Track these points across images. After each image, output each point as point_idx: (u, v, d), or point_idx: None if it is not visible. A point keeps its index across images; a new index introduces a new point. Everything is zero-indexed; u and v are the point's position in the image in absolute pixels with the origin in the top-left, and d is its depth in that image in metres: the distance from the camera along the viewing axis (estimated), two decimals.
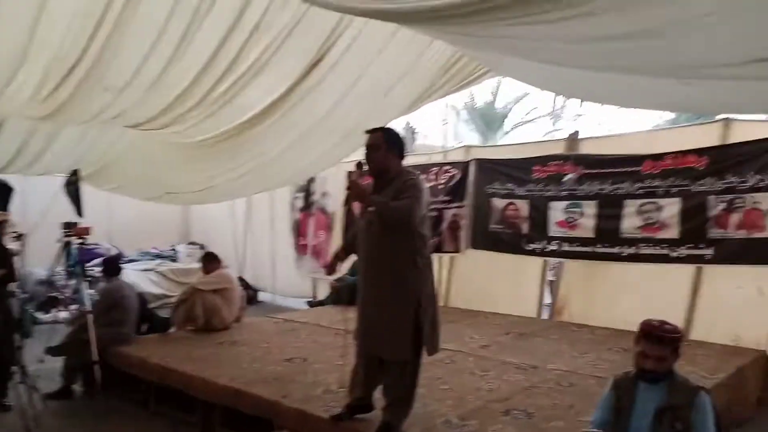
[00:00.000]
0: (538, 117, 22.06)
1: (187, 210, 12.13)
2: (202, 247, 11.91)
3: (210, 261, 6.18)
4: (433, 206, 7.61)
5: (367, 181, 3.47)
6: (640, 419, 2.57)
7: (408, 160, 8.15)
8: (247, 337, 5.64)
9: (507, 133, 21.50)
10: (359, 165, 3.38)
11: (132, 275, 9.76)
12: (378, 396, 3.49)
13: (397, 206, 3.15)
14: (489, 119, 21.28)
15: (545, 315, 7.04)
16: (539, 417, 3.54)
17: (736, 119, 5.79)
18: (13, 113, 5.26)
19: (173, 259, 10.67)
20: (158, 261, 10.62)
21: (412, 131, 18.59)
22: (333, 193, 8.83)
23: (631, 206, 6.11)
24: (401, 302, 3.23)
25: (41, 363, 5.11)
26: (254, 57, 4.61)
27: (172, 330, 5.88)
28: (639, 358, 2.59)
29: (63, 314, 7.58)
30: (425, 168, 7.90)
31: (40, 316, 8.01)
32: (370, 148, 3.34)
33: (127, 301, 5.34)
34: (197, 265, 9.98)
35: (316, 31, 4.60)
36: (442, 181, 7.62)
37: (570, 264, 6.79)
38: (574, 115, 20.68)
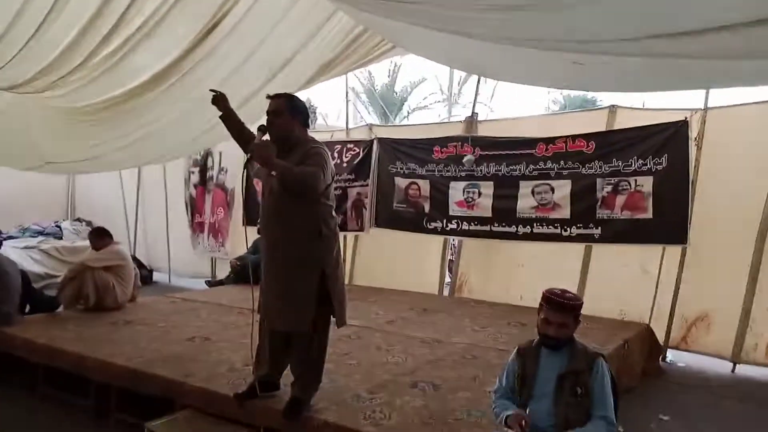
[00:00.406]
0: (435, 102, 22.60)
1: (72, 184, 11.32)
2: (89, 223, 11.13)
3: (100, 236, 5.79)
4: (337, 184, 7.60)
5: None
6: (543, 385, 2.69)
7: (314, 135, 8.13)
8: (144, 316, 5.36)
9: (405, 117, 21.85)
10: (262, 129, 3.24)
11: (11, 253, 8.98)
12: (287, 372, 3.44)
13: (302, 171, 3.06)
14: (387, 102, 21.49)
15: (446, 292, 7.26)
16: (446, 388, 3.64)
17: (621, 107, 6.20)
18: None
19: (58, 237, 9.88)
20: (41, 238, 9.77)
21: (312, 110, 18.41)
22: (231, 169, 8.54)
23: (526, 187, 6.39)
24: (305, 272, 3.17)
25: None
26: (143, 18, 4.31)
27: (59, 310, 5.48)
28: (542, 325, 2.71)
29: None
30: (328, 145, 7.83)
31: None
32: (273, 113, 3.22)
33: (7, 278, 4.89)
34: (84, 242, 9.40)
35: None
36: (346, 160, 7.60)
37: (469, 242, 7.03)
38: (468, 102, 21.39)
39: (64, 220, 10.85)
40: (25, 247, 9.23)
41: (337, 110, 20.43)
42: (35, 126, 6.16)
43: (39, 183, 10.01)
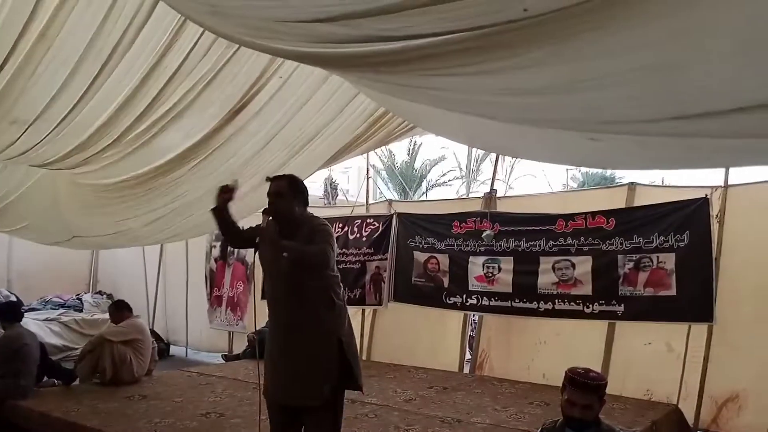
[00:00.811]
0: (454, 179, 22.92)
1: (96, 257, 11.49)
2: (109, 296, 11.25)
3: (119, 309, 5.84)
4: (356, 258, 7.65)
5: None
6: None
7: (331, 212, 8.24)
8: (159, 390, 5.31)
9: (424, 193, 22.16)
10: (266, 212, 3.33)
11: (32, 325, 9.04)
12: None
13: (313, 250, 3.16)
14: (407, 179, 21.86)
15: (466, 369, 7.10)
16: None
17: (640, 184, 6.24)
18: None
19: (78, 309, 9.95)
20: (61, 310, 9.83)
21: (334, 185, 18.73)
22: None
23: (546, 263, 6.36)
24: (320, 345, 3.18)
25: None
26: (174, 100, 4.52)
27: (76, 383, 5.45)
28: (566, 406, 2.64)
29: None
30: (348, 221, 7.95)
31: None
32: (275, 195, 3.31)
33: (27, 349, 4.92)
34: (104, 315, 9.44)
35: (240, 79, 4.59)
36: (365, 234, 7.67)
37: (489, 318, 6.94)
38: (486, 179, 21.67)
39: (85, 293, 10.95)
40: (46, 319, 9.29)
41: (357, 186, 20.84)
42: (64, 201, 6.36)
43: (63, 256, 10.17)
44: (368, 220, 7.75)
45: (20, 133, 4.42)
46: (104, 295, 11.17)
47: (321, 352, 3.18)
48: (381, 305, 7.45)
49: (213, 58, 4.36)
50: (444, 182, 22.70)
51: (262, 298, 3.59)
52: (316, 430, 3.23)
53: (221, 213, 3.48)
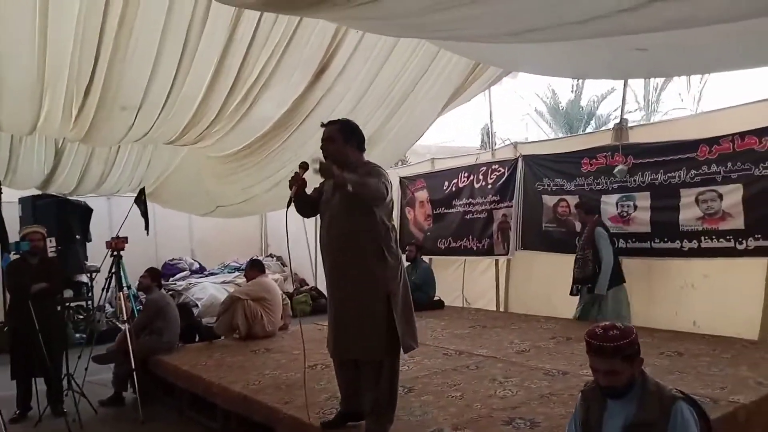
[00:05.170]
0: (628, 112, 20.81)
1: (264, 224, 12.55)
2: (279, 258, 12.33)
3: (251, 268, 6.31)
4: (482, 207, 7.41)
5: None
6: None
7: (456, 162, 8.02)
8: (285, 344, 5.67)
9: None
10: (304, 165, 3.28)
11: (210, 288, 10.24)
12: None
13: (371, 182, 3.08)
14: (572, 118, 20.34)
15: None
16: (544, 427, 3.26)
17: None
18: (57, 136, 5.69)
19: None
20: (236, 273, 10.97)
21: (491, 133, 18.19)
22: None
23: (688, 196, 5.60)
24: (370, 298, 3.13)
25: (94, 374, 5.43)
26: (258, 70, 4.70)
27: (221, 339, 6.03)
28: (593, 373, 2.28)
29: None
30: (473, 169, 7.69)
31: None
32: (326, 140, 3.26)
33: (168, 309, 5.55)
34: (274, 276, 10.34)
35: (314, 40, 4.63)
36: (491, 181, 7.36)
37: (626, 262, 6.29)
38: (670, 109, 19.35)
39: (258, 256, 12.04)
40: (222, 282, 10.45)
41: (515, 130, 19.98)
42: (203, 174, 7.01)
43: (236, 224, 11.28)
44: (493, 166, 7.42)
45: (133, 117, 4.92)
46: (274, 258, 12.25)
47: (366, 307, 3.14)
48: (509, 254, 7.15)
49: (283, 23, 4.43)
50: (616, 117, 20.78)
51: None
52: (368, 384, 3.22)
53: (302, 196, 3.35)
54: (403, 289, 3.26)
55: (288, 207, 3.24)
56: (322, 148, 3.28)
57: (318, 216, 3.46)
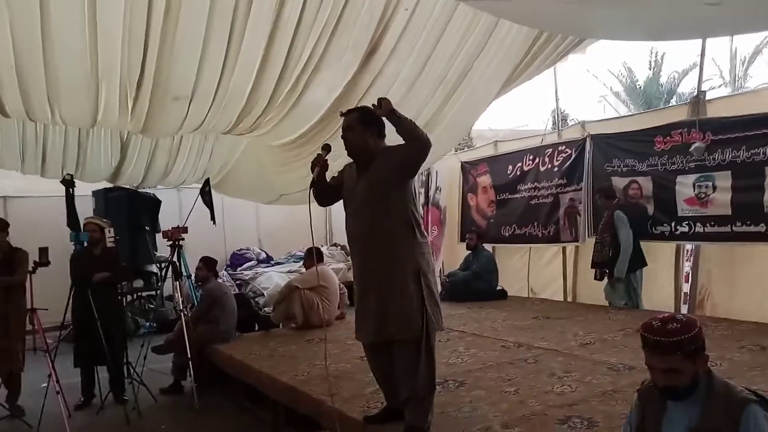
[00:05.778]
0: (711, 89, 19.44)
1: (329, 213, 12.57)
2: (343, 248, 12.31)
3: (309, 257, 6.27)
4: (548, 191, 7.07)
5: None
6: None
7: (521, 144, 7.70)
8: (340, 334, 5.58)
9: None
10: (327, 147, 3.23)
11: (276, 277, 10.35)
12: None
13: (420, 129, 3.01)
14: (651, 96, 19.21)
15: (684, 309, 6.10)
16: (602, 427, 3.01)
17: None
18: (118, 128, 5.83)
19: None
20: (302, 263, 11.05)
21: (563, 115, 17.47)
22: (444, 188, 8.57)
23: None
24: (405, 275, 3.00)
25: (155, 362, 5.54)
26: (307, 54, 4.60)
27: (278, 328, 6.03)
28: (650, 373, 2.01)
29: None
30: (539, 151, 7.33)
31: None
32: (345, 129, 3.15)
33: (225, 298, 5.60)
34: (338, 265, 10.35)
35: (363, 20, 4.49)
36: (557, 163, 6.99)
37: (706, 248, 5.82)
38: (761, 84, 17.87)
39: (323, 245, 12.09)
40: (288, 272, 10.55)
41: (590, 111, 19.10)
42: (265, 163, 7.03)
43: (301, 214, 11.30)
44: (560, 148, 7.05)
45: (186, 107, 4.95)
46: (338, 247, 12.24)
47: (402, 284, 2.99)
48: (578, 241, 6.77)
49: (330, 3, 4.31)
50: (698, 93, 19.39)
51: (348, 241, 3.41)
52: (405, 368, 3.03)
53: (321, 181, 3.26)
54: (431, 269, 3.15)
55: (310, 189, 3.19)
56: (342, 137, 3.17)
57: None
